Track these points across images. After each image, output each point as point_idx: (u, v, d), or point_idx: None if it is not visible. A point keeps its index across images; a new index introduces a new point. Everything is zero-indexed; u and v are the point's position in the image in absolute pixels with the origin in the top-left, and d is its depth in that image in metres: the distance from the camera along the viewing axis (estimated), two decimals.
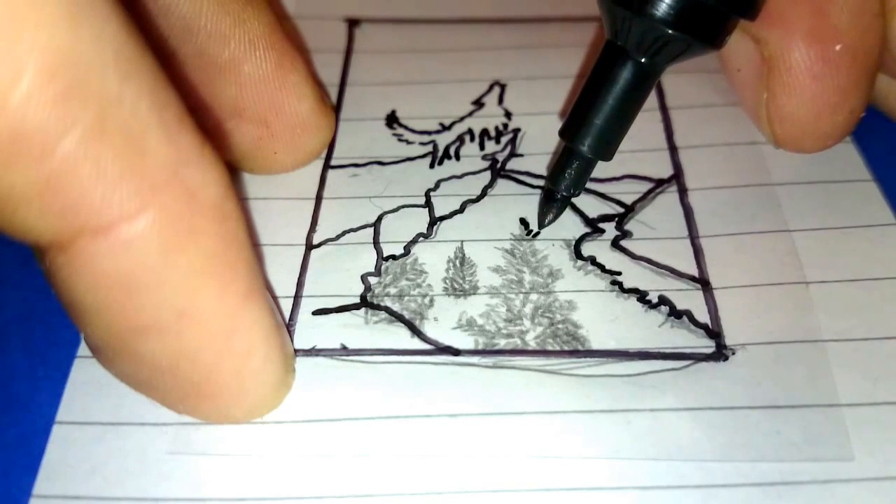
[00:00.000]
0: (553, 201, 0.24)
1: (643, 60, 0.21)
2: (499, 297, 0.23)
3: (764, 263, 0.23)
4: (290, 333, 0.22)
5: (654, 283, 0.23)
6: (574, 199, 0.24)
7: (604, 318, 0.22)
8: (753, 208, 0.25)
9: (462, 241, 0.24)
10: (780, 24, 0.24)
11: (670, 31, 0.20)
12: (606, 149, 0.23)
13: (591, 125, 0.22)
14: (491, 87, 0.30)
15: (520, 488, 0.19)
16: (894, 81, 0.26)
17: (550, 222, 0.24)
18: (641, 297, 0.22)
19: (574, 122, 0.23)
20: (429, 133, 0.28)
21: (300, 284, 0.23)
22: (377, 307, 0.22)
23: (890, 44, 0.24)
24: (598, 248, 0.24)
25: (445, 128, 0.28)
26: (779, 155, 0.26)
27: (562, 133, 0.23)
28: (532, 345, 0.21)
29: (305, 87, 0.25)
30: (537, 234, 0.24)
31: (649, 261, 0.23)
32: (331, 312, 0.22)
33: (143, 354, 0.18)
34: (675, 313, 0.22)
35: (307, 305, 0.22)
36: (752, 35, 0.25)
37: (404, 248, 0.24)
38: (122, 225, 0.16)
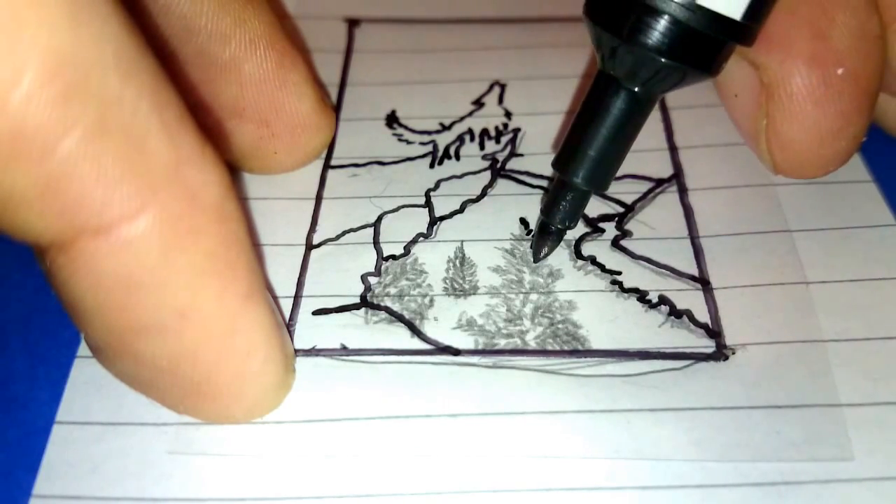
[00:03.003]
0: (548, 234, 0.23)
1: (636, 89, 0.21)
2: (499, 297, 0.23)
3: (764, 263, 0.23)
4: (290, 333, 0.22)
5: (654, 283, 0.23)
6: None
7: (604, 318, 0.22)
8: (753, 208, 0.25)
9: (462, 241, 0.24)
10: (780, 48, 0.23)
11: (663, 61, 0.20)
12: (601, 180, 0.22)
13: (585, 156, 0.21)
14: (491, 87, 0.30)
15: (520, 488, 0.19)
16: (893, 99, 0.26)
17: (546, 256, 0.23)
18: (641, 296, 0.22)
19: (567, 153, 0.22)
20: (429, 133, 0.28)
21: (300, 284, 0.23)
22: (377, 307, 0.22)
23: (891, 62, 0.23)
24: (598, 248, 0.24)
25: (445, 128, 0.28)
26: None
27: (555, 165, 0.22)
28: (532, 345, 0.21)
29: (306, 87, 0.25)
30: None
31: (649, 260, 0.23)
32: (331, 312, 0.22)
33: (143, 354, 0.18)
34: (675, 313, 0.22)
35: (307, 305, 0.22)
36: (750, 60, 0.24)
37: (404, 248, 0.24)
38: (123, 225, 0.16)
